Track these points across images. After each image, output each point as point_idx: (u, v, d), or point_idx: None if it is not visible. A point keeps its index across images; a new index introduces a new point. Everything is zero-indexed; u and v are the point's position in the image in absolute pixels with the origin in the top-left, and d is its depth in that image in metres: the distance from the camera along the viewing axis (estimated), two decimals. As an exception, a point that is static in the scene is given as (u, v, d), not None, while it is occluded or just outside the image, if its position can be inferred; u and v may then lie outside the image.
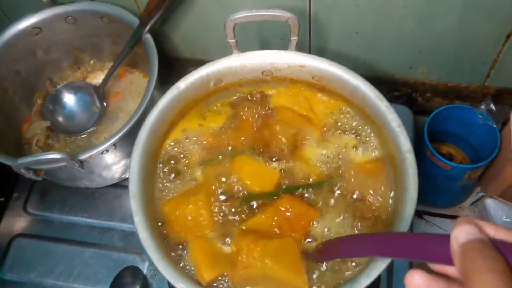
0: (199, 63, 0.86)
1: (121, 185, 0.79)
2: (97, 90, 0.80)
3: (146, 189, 0.56)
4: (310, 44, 0.77)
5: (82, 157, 0.62)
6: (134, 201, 0.52)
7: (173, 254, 0.55)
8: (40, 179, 0.64)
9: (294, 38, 0.59)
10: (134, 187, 0.53)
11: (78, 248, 0.76)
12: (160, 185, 0.60)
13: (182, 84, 0.60)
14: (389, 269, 0.68)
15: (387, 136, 0.56)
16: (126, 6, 0.76)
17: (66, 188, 0.78)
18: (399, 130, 0.55)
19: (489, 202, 0.57)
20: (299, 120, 0.63)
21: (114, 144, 0.65)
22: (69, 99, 0.81)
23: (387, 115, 0.56)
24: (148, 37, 0.71)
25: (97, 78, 0.83)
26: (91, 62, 0.86)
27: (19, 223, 0.81)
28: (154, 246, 0.51)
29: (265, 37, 0.77)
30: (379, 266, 0.48)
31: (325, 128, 0.63)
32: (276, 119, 0.64)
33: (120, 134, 0.64)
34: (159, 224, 0.57)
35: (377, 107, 0.57)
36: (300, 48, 0.77)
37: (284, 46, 0.62)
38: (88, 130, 0.79)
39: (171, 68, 0.89)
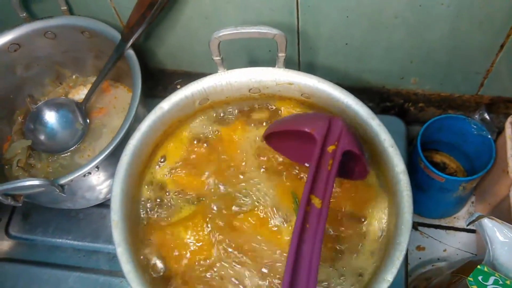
0: (186, 75, 0.85)
1: (106, 204, 0.76)
2: (79, 107, 0.77)
3: (130, 217, 0.53)
4: (300, 58, 0.75)
5: (63, 181, 0.59)
6: (116, 231, 0.50)
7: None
8: (20, 204, 0.62)
9: (281, 55, 0.57)
10: (116, 215, 0.51)
11: (63, 272, 0.73)
12: (146, 211, 0.57)
13: (166, 104, 0.57)
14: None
15: (380, 156, 0.54)
16: (109, 20, 0.73)
17: (50, 208, 0.76)
18: (392, 150, 0.53)
19: (486, 223, 0.56)
20: None
21: (97, 166, 0.62)
22: (51, 116, 0.78)
23: (380, 134, 0.54)
24: (130, 52, 0.69)
25: (80, 93, 0.81)
26: (73, 77, 0.83)
27: (1, 247, 0.78)
28: (138, 280, 0.48)
29: (253, 49, 0.75)
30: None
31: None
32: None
33: (102, 156, 0.61)
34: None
35: (369, 126, 0.55)
36: (289, 61, 0.75)
37: (273, 58, 0.60)
38: (71, 149, 0.76)
39: (157, 80, 0.87)
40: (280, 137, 0.54)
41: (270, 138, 0.55)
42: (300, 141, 0.51)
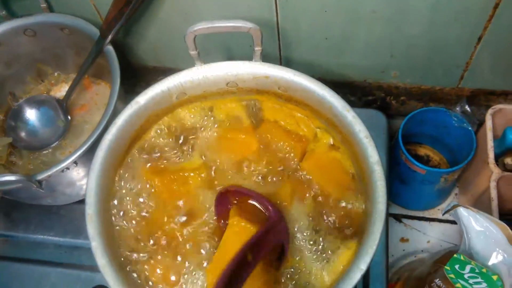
0: (168, 71, 0.84)
1: (88, 201, 0.76)
2: (60, 103, 0.77)
3: (105, 210, 0.53)
4: (281, 53, 0.75)
5: (40, 177, 0.59)
6: (91, 225, 0.50)
7: (134, 275, 0.53)
8: (-2, 201, 0.62)
9: (257, 49, 0.57)
10: (91, 209, 0.51)
11: (45, 268, 0.74)
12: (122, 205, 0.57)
13: (142, 99, 0.57)
14: (365, 282, 0.67)
15: (355, 147, 0.55)
16: (89, 17, 0.73)
17: (31, 205, 0.76)
18: (367, 141, 0.53)
19: (462, 212, 0.56)
20: (284, 138, 0.62)
21: (75, 162, 0.62)
22: (32, 114, 0.78)
23: (354, 126, 0.54)
24: (109, 48, 0.69)
25: (62, 91, 0.81)
26: (55, 74, 0.83)
27: (-18, 244, 0.78)
28: (114, 273, 0.49)
29: (233, 45, 0.75)
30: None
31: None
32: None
33: (80, 152, 0.61)
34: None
35: (344, 117, 0.55)
36: (270, 57, 0.76)
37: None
38: (52, 145, 0.76)
39: (139, 77, 0.87)
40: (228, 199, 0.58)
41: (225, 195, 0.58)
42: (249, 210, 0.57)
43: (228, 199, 0.57)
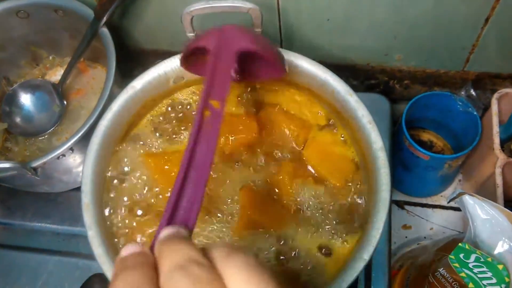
0: (167, 54, 0.82)
1: (86, 188, 0.74)
2: (56, 88, 0.75)
3: (101, 199, 0.52)
4: (282, 36, 0.73)
5: (35, 164, 0.58)
6: (87, 214, 0.49)
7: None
8: (-7, 188, 0.61)
9: (257, 30, 0.56)
10: (87, 198, 0.50)
11: (42, 256, 0.73)
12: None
13: (138, 83, 0.55)
14: (367, 270, 0.66)
15: (358, 132, 0.53)
16: (83, -3, 0.71)
17: (28, 193, 0.75)
18: (370, 127, 0.51)
19: (467, 199, 0.55)
20: (285, 123, 0.60)
21: (71, 148, 0.61)
22: (27, 99, 0.77)
23: (358, 110, 0.52)
24: (104, 31, 0.67)
25: (57, 75, 0.79)
26: (50, 57, 0.81)
27: (-22, 232, 0.77)
28: (110, 262, 0.47)
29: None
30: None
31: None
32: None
33: (75, 138, 0.60)
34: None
35: (347, 102, 0.53)
36: (271, 40, 0.73)
37: (255, 35, 0.58)
38: (49, 131, 0.74)
39: (137, 61, 0.85)
40: (193, 58, 0.53)
41: (186, 63, 0.54)
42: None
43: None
